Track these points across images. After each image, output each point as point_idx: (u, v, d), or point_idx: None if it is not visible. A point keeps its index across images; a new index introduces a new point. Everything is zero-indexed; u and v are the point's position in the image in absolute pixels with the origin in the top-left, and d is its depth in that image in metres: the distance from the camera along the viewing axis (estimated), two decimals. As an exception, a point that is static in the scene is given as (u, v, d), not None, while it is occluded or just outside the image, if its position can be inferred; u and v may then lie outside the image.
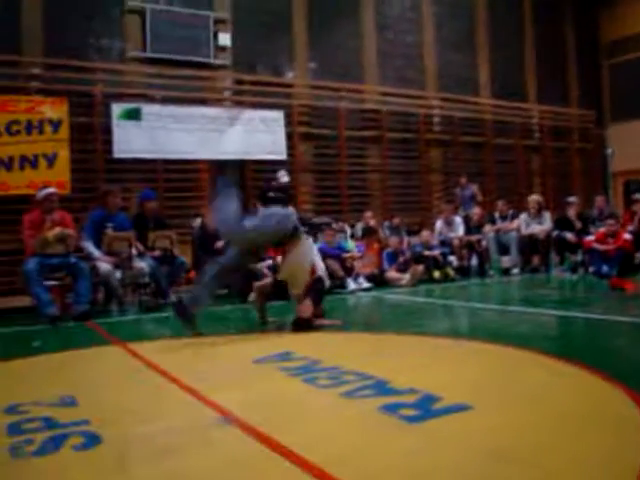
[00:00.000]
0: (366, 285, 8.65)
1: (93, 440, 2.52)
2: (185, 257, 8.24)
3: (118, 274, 7.24)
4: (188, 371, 3.77)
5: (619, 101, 16.57)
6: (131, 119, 9.79)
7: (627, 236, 9.20)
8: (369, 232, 9.71)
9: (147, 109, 9.99)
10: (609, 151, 16.24)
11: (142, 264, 7.39)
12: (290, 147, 11.26)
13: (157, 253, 7.76)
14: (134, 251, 7.41)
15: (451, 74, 14.00)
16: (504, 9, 15.16)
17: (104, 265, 7.10)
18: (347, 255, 8.97)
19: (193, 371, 3.79)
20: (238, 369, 3.86)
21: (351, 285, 8.51)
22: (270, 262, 7.94)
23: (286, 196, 10.45)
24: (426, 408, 2.76)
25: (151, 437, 2.57)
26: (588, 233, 9.75)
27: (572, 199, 10.76)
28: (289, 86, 11.89)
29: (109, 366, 4.23)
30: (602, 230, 9.42)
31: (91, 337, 5.64)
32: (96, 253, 7.21)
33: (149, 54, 10.36)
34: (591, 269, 9.27)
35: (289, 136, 11.26)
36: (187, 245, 8.87)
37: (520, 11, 15.53)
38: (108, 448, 2.44)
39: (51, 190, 6.99)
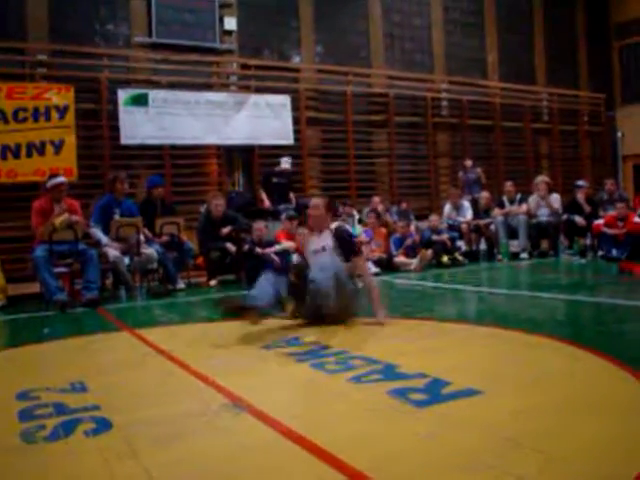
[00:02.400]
0: (374, 270, 8.63)
1: (104, 425, 2.53)
2: (192, 243, 8.25)
3: (126, 260, 7.24)
4: (197, 357, 3.78)
5: (629, 83, 16.41)
6: (137, 105, 9.77)
7: (637, 219, 9.13)
8: (376, 215, 9.66)
9: (153, 95, 9.97)
10: (619, 134, 16.09)
11: (150, 250, 7.40)
12: (297, 132, 11.22)
13: (165, 239, 7.77)
14: (142, 237, 7.42)
15: (459, 57, 13.90)
16: (513, -10, 15.00)
17: (112, 251, 7.11)
18: (358, 239, 8.95)
19: (202, 357, 3.80)
20: (247, 354, 3.86)
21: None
22: (277, 248, 7.94)
23: (288, 182, 10.48)
24: (435, 393, 2.76)
25: (161, 422, 2.58)
26: (598, 217, 9.68)
27: (581, 183, 10.68)
28: (295, 70, 11.83)
29: (118, 352, 4.24)
30: (612, 214, 9.36)
31: (100, 323, 5.67)
32: (104, 239, 7.22)
33: (155, 39, 10.32)
34: (600, 253, 9.22)
35: (296, 121, 11.21)
36: (194, 231, 8.87)
37: (529, -8, 15.36)
38: (119, 433, 2.45)
39: (61, 179, 6.97)
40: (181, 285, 7.78)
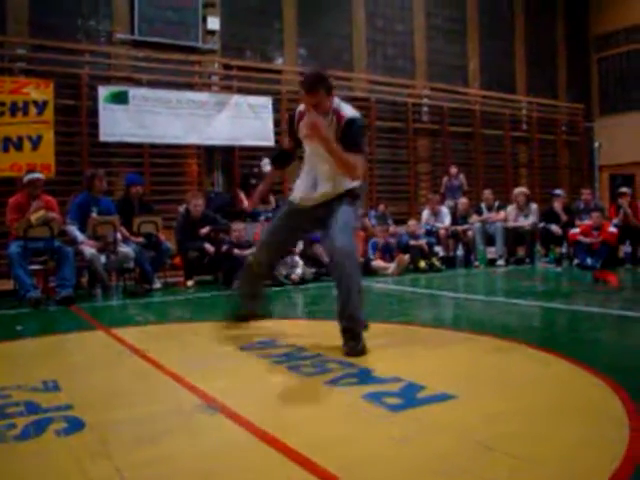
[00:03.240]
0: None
1: (76, 425, 2.51)
2: (170, 243, 8.20)
3: (103, 259, 7.19)
4: (173, 357, 3.76)
5: (607, 95, 16.67)
6: (118, 102, 9.70)
7: (612, 229, 9.26)
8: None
9: (134, 92, 9.90)
10: (596, 144, 16.31)
11: (127, 249, 7.34)
12: (278, 134, 11.21)
13: (142, 238, 7.72)
14: (119, 236, 7.37)
15: (441, 64, 14.00)
16: (496, 0, 15.15)
17: (88, 249, 7.05)
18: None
19: (178, 357, 3.78)
20: (223, 356, 3.84)
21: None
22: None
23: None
24: (410, 397, 2.77)
25: (135, 423, 2.56)
26: (574, 226, 9.80)
27: (558, 192, 10.80)
28: (278, 72, 11.83)
29: (93, 351, 4.20)
30: (587, 223, 9.48)
31: (75, 322, 5.61)
32: (80, 237, 7.16)
33: (137, 37, 10.26)
34: (576, 261, 9.33)
35: (277, 123, 11.20)
36: (172, 230, 8.82)
37: (511, 2, 15.54)
38: (91, 433, 2.43)
39: (36, 175, 6.91)
40: (158, 285, 7.74)
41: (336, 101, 3.87)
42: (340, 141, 3.72)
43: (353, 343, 3.66)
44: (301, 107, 4.02)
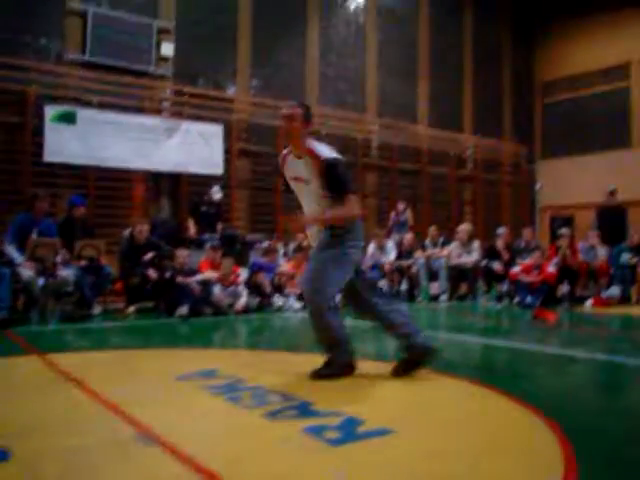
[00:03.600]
0: (297, 306, 8.63)
1: (2, 455, 2.39)
2: (112, 267, 8.03)
3: (41, 281, 6.98)
4: (108, 385, 3.65)
5: (549, 139, 17.29)
6: (65, 122, 9.53)
7: (551, 269, 9.52)
8: (301, 249, 9.68)
9: (82, 114, 9.76)
10: (538, 186, 16.84)
11: (67, 272, 7.16)
12: (227, 162, 11.20)
13: (83, 262, 7.53)
14: (59, 258, 7.17)
15: (391, 101, 14.27)
16: (445, 44, 15.63)
17: (26, 271, 6.84)
18: (280, 270, 8.94)
19: (113, 385, 3.67)
20: (160, 385, 3.76)
21: (278, 301, 8.47)
22: (199, 277, 7.82)
23: (217, 212, 10.41)
24: (350, 431, 2.75)
25: (66, 453, 2.46)
26: (515, 264, 10.03)
27: (501, 230, 11.06)
28: (229, 101, 11.85)
29: (24, 378, 4.05)
30: (528, 262, 9.72)
31: (7, 346, 5.40)
32: (19, 259, 6.94)
33: (88, 58, 10.14)
34: (516, 299, 9.54)
35: (227, 151, 11.20)
36: (115, 255, 8.64)
37: (461, 47, 16.05)
38: (18, 464, 2.32)
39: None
40: (97, 310, 7.54)
41: (311, 142, 3.88)
42: (327, 187, 3.77)
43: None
44: (284, 151, 4.05)
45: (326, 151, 3.85)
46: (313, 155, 3.81)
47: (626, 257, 10.06)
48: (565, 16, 16.68)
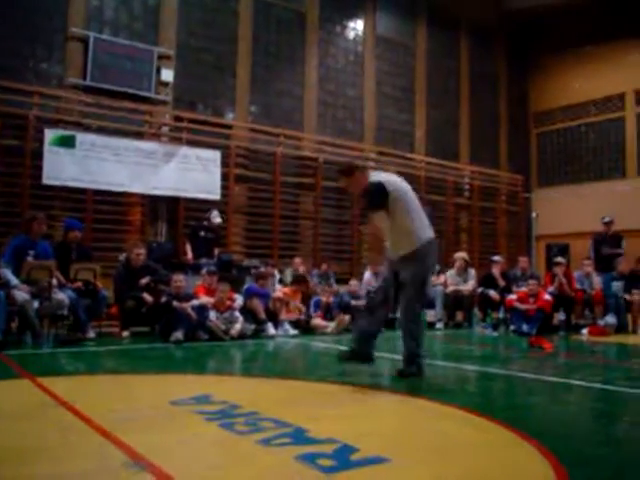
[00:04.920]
0: (292, 332, 8.60)
1: (-10, 480, 2.37)
2: (108, 291, 8.01)
3: (36, 304, 6.95)
4: (101, 410, 3.61)
5: (545, 168, 17.43)
6: (64, 146, 9.59)
7: (547, 297, 9.52)
8: (298, 280, 9.67)
9: (82, 138, 9.82)
10: (534, 214, 16.91)
11: (62, 295, 7.13)
12: (224, 187, 11.24)
13: (78, 285, 7.51)
14: (54, 281, 7.16)
15: (388, 129, 14.39)
16: (443, 74, 15.84)
17: (21, 294, 6.81)
18: (275, 295, 8.92)
19: (106, 410, 3.64)
20: (153, 411, 3.72)
21: (271, 330, 8.41)
22: (195, 302, 7.80)
23: (215, 237, 10.43)
24: (343, 459, 2.73)
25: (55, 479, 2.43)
26: (511, 292, 10.04)
27: (497, 258, 11.08)
28: (228, 127, 11.93)
29: (16, 401, 4.01)
30: (524, 290, 9.72)
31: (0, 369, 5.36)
32: (14, 281, 6.91)
33: (89, 83, 10.23)
34: (512, 327, 9.52)
35: (224, 176, 11.25)
36: (111, 279, 8.62)
37: (457, 77, 16.25)
38: (6, 489, 2.29)
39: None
40: (91, 334, 7.50)
41: (371, 174, 4.91)
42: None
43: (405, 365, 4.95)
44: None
45: (372, 178, 4.85)
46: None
47: (617, 285, 10.08)
48: (559, 47, 16.92)
